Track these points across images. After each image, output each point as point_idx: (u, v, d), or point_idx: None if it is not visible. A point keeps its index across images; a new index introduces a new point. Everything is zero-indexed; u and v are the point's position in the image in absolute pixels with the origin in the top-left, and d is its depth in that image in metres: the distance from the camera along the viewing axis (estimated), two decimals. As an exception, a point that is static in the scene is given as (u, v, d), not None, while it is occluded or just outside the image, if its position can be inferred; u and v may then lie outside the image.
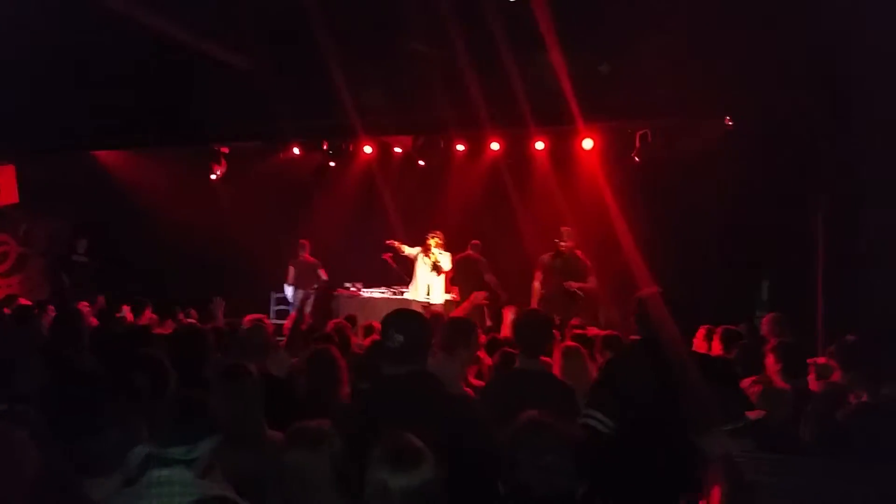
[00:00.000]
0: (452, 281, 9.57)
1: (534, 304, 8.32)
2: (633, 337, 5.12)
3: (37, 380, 3.45)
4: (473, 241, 9.75)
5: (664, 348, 3.26)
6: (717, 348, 5.11)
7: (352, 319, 7.03)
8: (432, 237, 9.13)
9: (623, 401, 3.21)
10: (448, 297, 9.42)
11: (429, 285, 9.24)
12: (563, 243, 8.61)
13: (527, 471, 2.32)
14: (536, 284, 8.69)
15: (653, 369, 3.22)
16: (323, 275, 10.76)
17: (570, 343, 4.79)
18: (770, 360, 4.31)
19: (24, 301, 7.75)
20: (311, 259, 10.89)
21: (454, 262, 9.50)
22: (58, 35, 7.91)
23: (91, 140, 10.33)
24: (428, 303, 8.97)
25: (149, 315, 7.24)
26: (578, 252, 8.69)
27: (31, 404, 3.04)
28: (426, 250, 9.16)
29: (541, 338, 3.89)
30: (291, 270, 10.90)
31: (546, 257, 8.74)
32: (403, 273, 9.77)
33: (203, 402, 2.57)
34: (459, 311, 5.80)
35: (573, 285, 8.44)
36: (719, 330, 5.26)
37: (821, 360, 4.77)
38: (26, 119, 9.20)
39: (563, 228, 8.69)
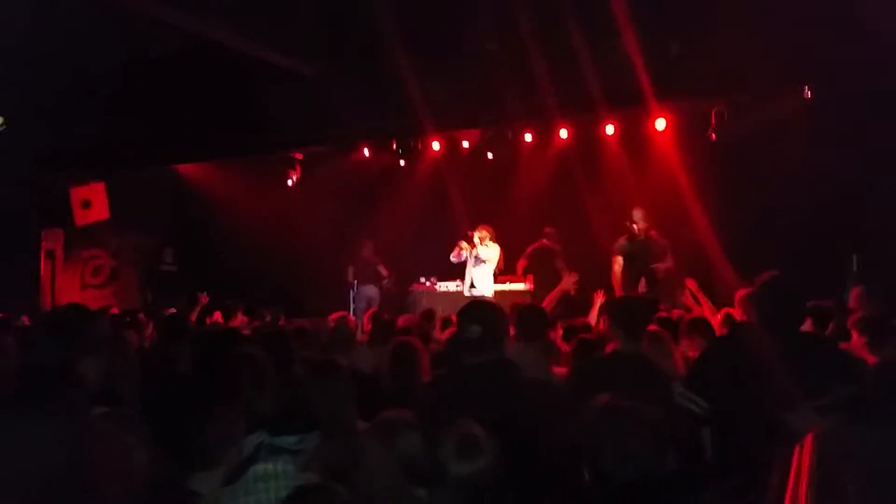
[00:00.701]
0: (527, 270, 9.54)
1: (618, 290, 8.15)
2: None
3: (134, 383, 3.63)
4: (547, 230, 9.70)
5: (763, 331, 3.21)
6: (807, 324, 4.96)
7: (430, 314, 7.10)
8: (478, 231, 9.08)
9: (718, 384, 3.18)
10: (519, 287, 9.41)
11: (472, 278, 9.21)
12: (635, 225, 8.45)
13: (610, 458, 2.32)
14: (617, 268, 8.51)
15: (748, 352, 3.18)
16: (383, 271, 10.83)
17: (653, 327, 4.71)
18: (855, 335, 4.23)
19: (115, 310, 8.14)
20: (371, 257, 10.90)
21: (529, 251, 9.48)
22: (136, 54, 8.26)
23: (174, 153, 10.76)
24: (473, 295, 8.91)
25: (240, 318, 7.48)
26: (653, 233, 8.51)
27: (131, 406, 3.20)
28: (470, 243, 9.13)
29: (642, 320, 3.83)
30: (350, 270, 10.91)
31: (622, 241, 8.57)
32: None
33: (309, 398, 2.67)
34: (549, 300, 5.79)
35: (660, 267, 8.26)
36: (808, 305, 5.10)
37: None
38: (111, 137, 9.65)
39: (634, 210, 8.52)
